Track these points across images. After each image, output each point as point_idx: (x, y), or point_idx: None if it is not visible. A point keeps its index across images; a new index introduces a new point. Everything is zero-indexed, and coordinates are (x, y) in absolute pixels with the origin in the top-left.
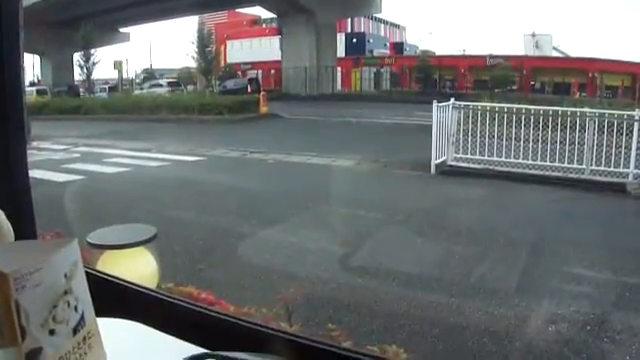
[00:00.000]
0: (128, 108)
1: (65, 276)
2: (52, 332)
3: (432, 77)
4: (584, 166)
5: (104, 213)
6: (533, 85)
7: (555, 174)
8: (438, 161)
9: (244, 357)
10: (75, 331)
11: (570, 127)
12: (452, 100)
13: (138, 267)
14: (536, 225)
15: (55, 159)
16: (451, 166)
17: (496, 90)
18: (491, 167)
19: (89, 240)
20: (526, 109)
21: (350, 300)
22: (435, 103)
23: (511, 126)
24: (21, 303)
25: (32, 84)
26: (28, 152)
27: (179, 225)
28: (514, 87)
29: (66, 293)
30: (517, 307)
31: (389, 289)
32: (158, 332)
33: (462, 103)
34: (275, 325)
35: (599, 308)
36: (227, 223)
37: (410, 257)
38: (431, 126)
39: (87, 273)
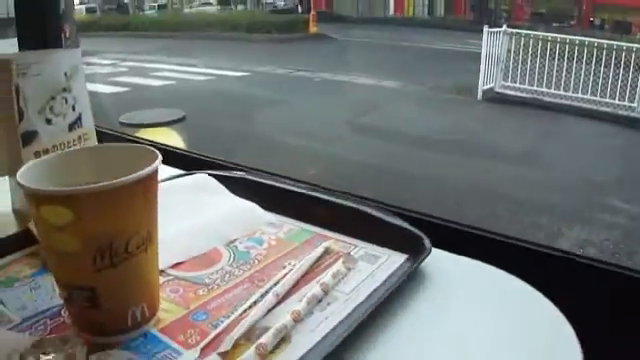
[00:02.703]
0: (177, 26)
1: (65, 75)
2: (49, 121)
3: (487, 6)
4: (635, 104)
5: None
6: (592, 21)
7: (604, 109)
8: (485, 87)
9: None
10: (71, 128)
11: (624, 64)
12: (504, 27)
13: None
14: (577, 155)
15: (102, 73)
16: (498, 93)
17: (553, 24)
18: (539, 97)
19: (121, 120)
20: (580, 40)
21: None
22: (486, 28)
23: (563, 58)
24: (21, 87)
25: (82, 2)
26: None
27: (218, 131)
28: (572, 22)
29: (65, 90)
30: (547, 228)
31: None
32: None
33: (514, 30)
34: None
35: (631, 240)
36: (265, 130)
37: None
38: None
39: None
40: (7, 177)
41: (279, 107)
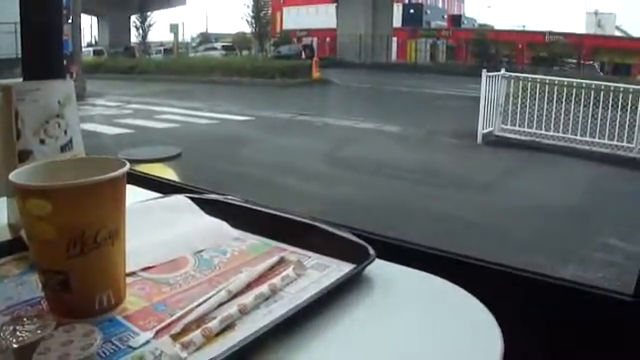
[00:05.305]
0: (182, 70)
1: (59, 102)
2: (42, 142)
3: (489, 51)
4: (633, 145)
5: None
6: (592, 64)
7: (602, 150)
8: (485, 131)
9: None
10: (63, 149)
11: (621, 105)
12: (502, 71)
13: None
14: (576, 195)
15: (108, 114)
16: (497, 136)
17: (554, 68)
18: (537, 139)
19: (119, 156)
20: (577, 83)
21: None
22: (484, 72)
23: (560, 101)
24: (19, 111)
25: (90, 45)
26: (83, 108)
27: (220, 173)
28: (572, 65)
29: (58, 116)
30: (541, 268)
31: None
32: None
33: (512, 74)
34: None
35: (627, 277)
36: (266, 174)
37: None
38: None
39: None
40: (5, 198)
41: (277, 149)
